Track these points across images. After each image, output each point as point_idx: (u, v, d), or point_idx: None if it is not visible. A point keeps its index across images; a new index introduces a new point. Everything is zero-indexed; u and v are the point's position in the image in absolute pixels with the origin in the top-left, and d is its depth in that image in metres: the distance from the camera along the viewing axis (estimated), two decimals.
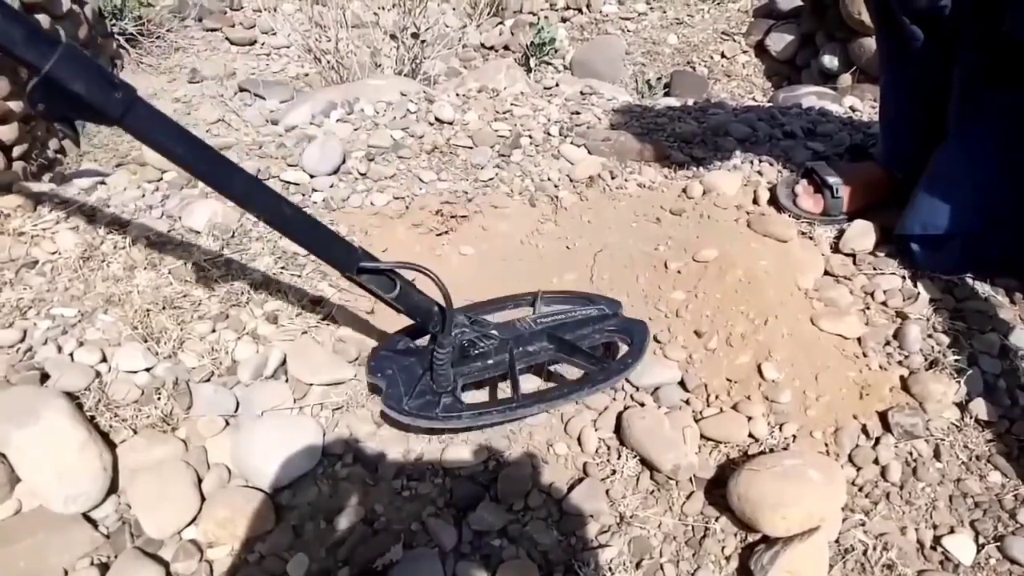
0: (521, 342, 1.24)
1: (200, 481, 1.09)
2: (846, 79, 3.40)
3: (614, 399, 1.26)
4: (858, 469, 1.17)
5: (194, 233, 1.47)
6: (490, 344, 1.22)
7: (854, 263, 1.50)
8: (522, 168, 1.72)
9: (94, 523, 1.06)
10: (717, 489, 1.12)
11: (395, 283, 1.07)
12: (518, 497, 1.10)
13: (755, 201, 1.60)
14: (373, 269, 1.05)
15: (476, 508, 1.08)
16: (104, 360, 1.21)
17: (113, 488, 1.08)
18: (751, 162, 1.76)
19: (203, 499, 1.07)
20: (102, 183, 1.63)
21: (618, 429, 1.19)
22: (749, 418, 1.19)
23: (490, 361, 1.22)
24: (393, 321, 1.43)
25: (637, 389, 1.26)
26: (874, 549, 1.06)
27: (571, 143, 1.78)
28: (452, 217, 1.66)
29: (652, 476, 1.15)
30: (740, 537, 1.08)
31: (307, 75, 3.99)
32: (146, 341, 1.24)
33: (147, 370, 1.20)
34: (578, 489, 1.11)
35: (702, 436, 1.19)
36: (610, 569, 1.02)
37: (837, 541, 1.07)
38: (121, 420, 1.14)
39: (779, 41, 3.85)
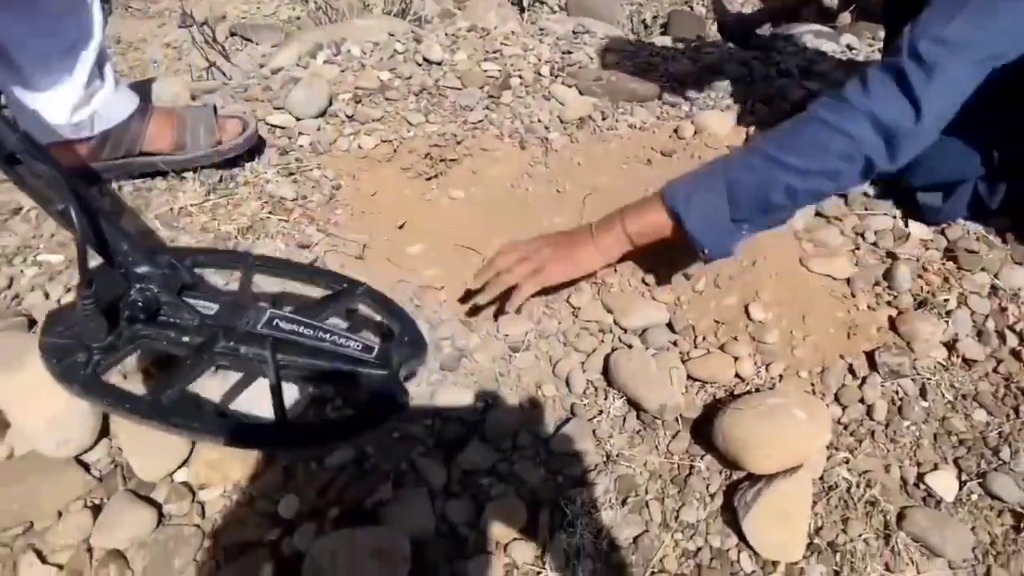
0: (235, 336, 1.00)
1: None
2: (845, 17, 3.32)
3: (602, 341, 1.26)
4: (844, 408, 1.18)
5: (180, 178, 1.45)
6: (189, 319, 0.98)
7: (845, 203, 1.49)
8: (512, 110, 1.69)
9: (86, 466, 1.06)
10: (703, 428, 1.13)
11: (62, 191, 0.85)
12: (506, 437, 1.11)
13: (747, 141, 1.58)
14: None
15: (465, 448, 1.09)
16: None
17: (104, 432, 1.09)
18: (744, 102, 1.73)
19: (194, 441, 1.08)
20: None
21: (606, 371, 1.20)
22: (736, 358, 1.20)
23: (184, 338, 0.99)
24: (384, 267, 1.43)
25: (625, 331, 1.26)
26: (857, 486, 1.08)
27: (562, 83, 1.75)
28: (441, 160, 1.64)
29: (639, 416, 1.16)
30: (725, 475, 1.09)
31: (298, 18, 3.89)
32: None
33: None
34: (565, 429, 1.12)
35: (689, 376, 1.20)
36: (596, 506, 1.04)
37: (821, 478, 1.09)
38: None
39: None
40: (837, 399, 1.19)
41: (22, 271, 1.27)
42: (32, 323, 1.16)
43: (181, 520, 1.01)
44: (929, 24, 1.09)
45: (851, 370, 1.22)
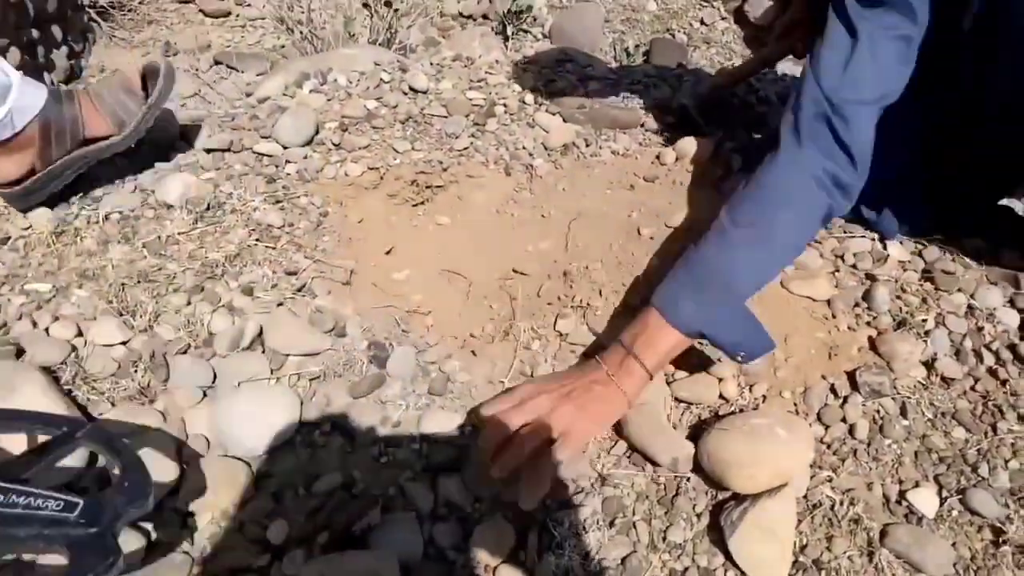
0: None
1: (180, 451, 1.10)
2: None
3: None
4: (826, 427, 1.19)
5: (167, 207, 1.46)
6: None
7: (824, 227, 1.52)
8: (497, 137, 1.72)
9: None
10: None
11: None
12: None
13: (727, 168, 1.62)
14: None
15: (452, 475, 1.09)
16: (80, 334, 1.22)
17: (93, 461, 1.09)
18: (725, 127, 1.77)
19: (183, 469, 1.08)
20: None
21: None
22: (720, 379, 1.22)
23: None
24: (371, 293, 1.44)
25: None
26: (841, 504, 1.09)
27: (546, 111, 1.78)
28: (427, 187, 1.66)
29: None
30: (711, 495, 1.10)
31: (283, 47, 3.92)
32: (121, 315, 1.24)
33: (123, 343, 1.21)
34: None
35: (675, 398, 1.22)
36: (584, 528, 1.05)
37: (805, 497, 1.10)
38: (99, 393, 1.15)
39: (757, 7, 3.82)
40: (819, 418, 1.21)
41: (9, 300, 1.27)
42: (20, 351, 1.16)
43: (170, 547, 1.01)
44: (828, 70, 1.19)
45: (833, 390, 1.24)
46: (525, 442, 1.02)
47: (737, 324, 1.15)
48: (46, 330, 1.22)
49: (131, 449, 0.94)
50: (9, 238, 1.39)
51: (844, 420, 1.20)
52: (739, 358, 1.15)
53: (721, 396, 1.21)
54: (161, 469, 1.05)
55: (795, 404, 1.22)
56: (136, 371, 1.18)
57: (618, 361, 1.12)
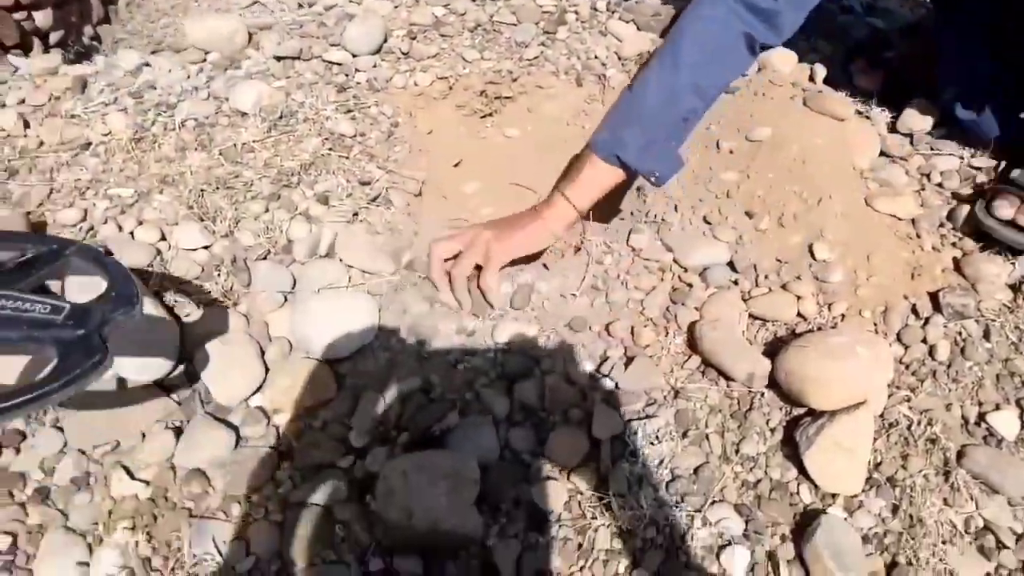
0: None
1: (263, 353, 1.13)
2: None
3: (662, 279, 1.27)
4: (906, 348, 1.17)
5: (241, 115, 1.47)
6: None
7: (911, 143, 1.46)
8: (568, 46, 1.66)
9: (166, 390, 1.11)
10: None
11: None
12: (563, 373, 1.14)
13: (811, 78, 1.55)
14: None
15: (527, 380, 1.11)
16: (163, 238, 1.25)
17: (182, 358, 1.13)
18: (807, 38, 1.69)
19: (267, 369, 1.12)
20: (146, 65, 1.63)
21: (690, 338, 1.18)
22: (798, 297, 1.20)
23: None
24: (441, 205, 1.44)
25: (685, 270, 1.27)
26: (918, 424, 1.08)
27: (619, 19, 1.71)
28: (496, 98, 1.63)
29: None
30: (784, 411, 1.10)
31: None
32: (202, 220, 1.27)
33: (205, 248, 1.24)
34: (632, 367, 1.13)
35: (750, 315, 1.20)
36: (657, 438, 1.06)
37: (882, 415, 1.09)
38: (185, 295, 1.18)
39: None
40: (899, 338, 1.19)
41: (94, 204, 1.30)
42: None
43: (257, 442, 1.06)
44: None
45: (915, 310, 1.21)
46: (456, 266, 1.21)
47: (649, 147, 1.22)
48: (131, 234, 1.25)
49: (119, 263, 0.96)
50: (90, 144, 1.41)
51: (924, 341, 1.18)
52: (652, 180, 1.24)
53: (799, 314, 1.19)
54: (246, 369, 1.10)
55: (875, 324, 1.20)
56: (219, 275, 1.21)
57: (546, 201, 1.28)
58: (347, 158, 1.41)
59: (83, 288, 0.98)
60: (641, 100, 1.24)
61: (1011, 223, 1.24)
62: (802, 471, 1.02)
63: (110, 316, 0.88)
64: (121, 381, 1.08)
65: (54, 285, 1.03)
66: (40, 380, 0.80)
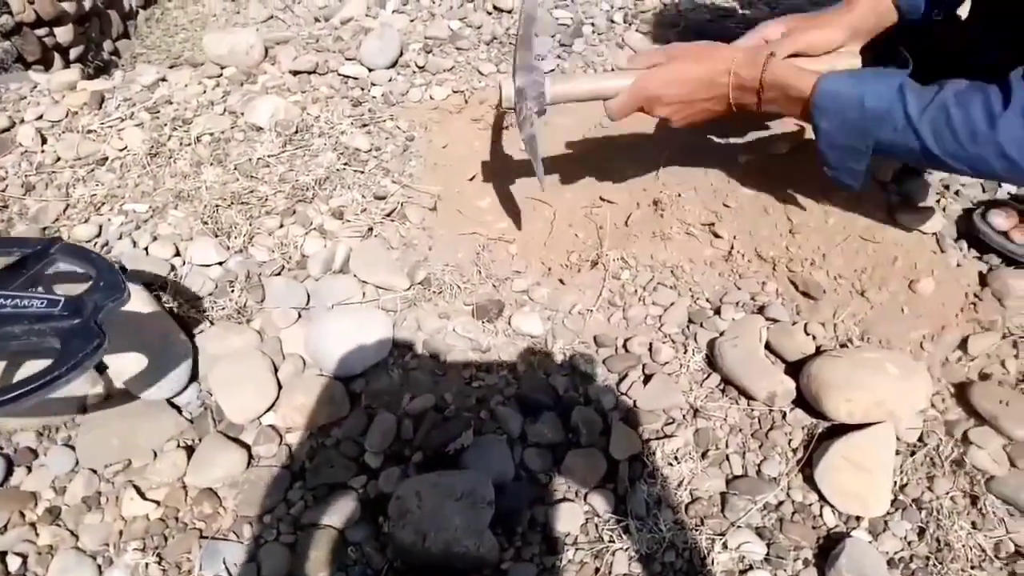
0: None
1: (276, 370, 1.12)
2: None
3: (679, 295, 1.24)
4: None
5: (257, 129, 1.47)
6: None
7: None
8: (584, 58, 1.65)
9: (178, 408, 1.10)
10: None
11: None
12: (581, 394, 1.12)
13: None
14: None
15: (539, 417, 1.08)
16: (178, 254, 1.25)
17: (194, 376, 1.12)
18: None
19: (280, 387, 1.11)
20: (163, 80, 1.63)
21: (710, 356, 1.16)
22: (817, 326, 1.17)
23: None
24: (456, 220, 1.43)
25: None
26: (945, 445, 1.05)
27: (636, 30, 1.70)
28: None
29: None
30: (807, 431, 1.08)
31: None
32: (217, 235, 1.27)
33: (220, 263, 1.23)
34: (650, 384, 1.11)
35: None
36: (676, 458, 1.04)
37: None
38: (198, 311, 1.18)
39: None
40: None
41: (110, 220, 1.30)
42: (123, 270, 1.20)
43: (270, 461, 1.05)
44: None
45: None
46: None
47: (847, 147, 1.06)
48: (145, 249, 1.25)
49: (103, 257, 1.02)
50: (107, 159, 1.42)
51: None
52: (826, 169, 1.12)
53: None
54: (259, 386, 1.09)
55: (910, 351, 1.16)
56: (233, 291, 1.20)
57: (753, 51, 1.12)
58: (362, 172, 1.40)
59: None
60: (877, 130, 1.03)
61: (1004, 234, 1.25)
62: (822, 492, 0.99)
63: (102, 304, 0.94)
64: (133, 398, 1.07)
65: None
66: (48, 367, 0.85)
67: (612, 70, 1.16)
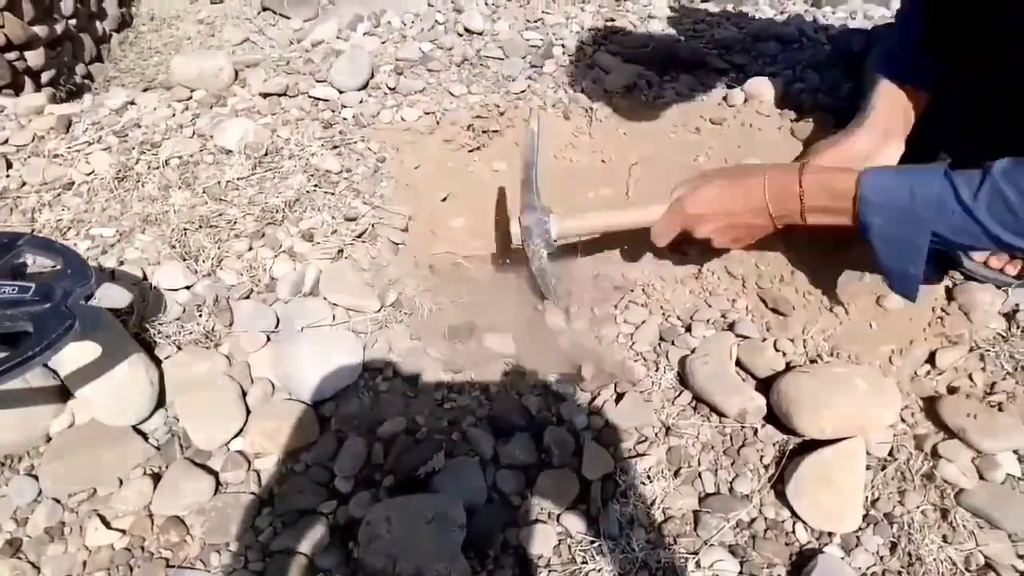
0: None
1: (245, 394, 1.11)
2: None
3: (651, 312, 1.25)
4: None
5: (226, 152, 1.46)
6: None
7: None
8: (555, 79, 1.67)
9: (144, 435, 1.09)
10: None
11: None
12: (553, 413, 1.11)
13: (798, 109, 1.54)
14: None
15: (511, 438, 1.08)
16: (145, 278, 1.23)
17: (161, 402, 1.11)
18: (794, 67, 1.69)
19: (248, 412, 1.09)
20: (132, 103, 1.62)
21: (681, 373, 1.17)
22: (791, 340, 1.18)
23: None
24: (428, 240, 1.43)
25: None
26: (915, 459, 1.06)
27: (606, 51, 1.72)
28: (484, 132, 1.63)
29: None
30: (779, 447, 1.08)
31: None
32: (185, 259, 1.25)
33: (187, 288, 1.22)
34: (623, 403, 1.11)
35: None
36: (649, 477, 1.03)
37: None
38: (165, 336, 1.16)
39: None
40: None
41: (76, 244, 1.29)
42: (88, 296, 1.18)
43: (238, 488, 1.03)
44: None
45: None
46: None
47: (903, 242, 1.03)
48: (111, 274, 1.24)
49: (69, 247, 1.06)
50: (73, 183, 1.40)
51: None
52: (884, 280, 1.11)
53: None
54: (227, 411, 1.07)
55: (880, 365, 1.17)
56: (201, 315, 1.19)
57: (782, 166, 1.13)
58: (333, 194, 1.40)
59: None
60: (932, 222, 1.00)
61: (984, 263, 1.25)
62: (794, 508, 0.99)
63: (71, 289, 0.98)
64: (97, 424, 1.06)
65: None
66: (23, 348, 0.89)
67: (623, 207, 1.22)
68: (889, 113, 1.19)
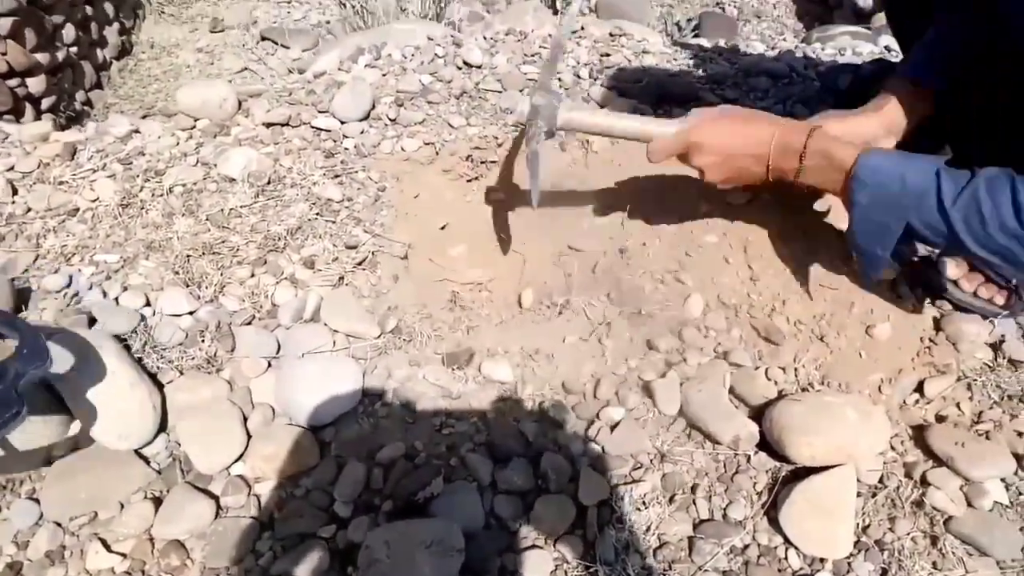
0: None
1: (246, 419, 1.13)
2: (880, 18, 3.30)
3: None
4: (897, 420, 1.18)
5: (229, 180, 1.49)
6: None
7: None
8: None
9: (146, 459, 1.10)
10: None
11: None
12: (551, 439, 1.13)
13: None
14: None
15: (509, 463, 1.09)
16: (148, 304, 1.25)
17: (163, 427, 1.12)
18: (784, 101, 1.73)
19: (249, 436, 1.11)
20: (136, 131, 1.65)
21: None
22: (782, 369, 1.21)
23: None
24: (428, 268, 1.45)
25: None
26: (905, 486, 1.08)
27: (601, 86, 1.76)
28: (482, 163, 1.66)
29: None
30: (771, 474, 1.10)
31: (328, 22, 3.96)
32: (188, 286, 1.27)
33: (190, 313, 1.24)
34: (618, 430, 1.13)
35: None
36: (644, 503, 1.05)
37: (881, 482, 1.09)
38: (167, 362, 1.18)
39: None
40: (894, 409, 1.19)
41: (80, 270, 1.30)
42: (92, 320, 1.20)
43: (238, 512, 1.04)
44: None
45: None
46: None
47: (880, 224, 1.07)
48: (115, 300, 1.25)
49: (29, 324, 1.01)
50: (78, 209, 1.42)
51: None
52: (854, 254, 1.15)
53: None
54: (228, 436, 1.09)
55: (869, 394, 1.20)
56: (203, 341, 1.21)
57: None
58: (334, 223, 1.43)
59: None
60: (917, 209, 1.03)
61: (955, 283, 1.28)
62: (786, 535, 1.01)
63: (23, 370, 0.93)
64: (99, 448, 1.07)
65: None
66: None
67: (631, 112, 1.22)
68: (897, 110, 1.24)
